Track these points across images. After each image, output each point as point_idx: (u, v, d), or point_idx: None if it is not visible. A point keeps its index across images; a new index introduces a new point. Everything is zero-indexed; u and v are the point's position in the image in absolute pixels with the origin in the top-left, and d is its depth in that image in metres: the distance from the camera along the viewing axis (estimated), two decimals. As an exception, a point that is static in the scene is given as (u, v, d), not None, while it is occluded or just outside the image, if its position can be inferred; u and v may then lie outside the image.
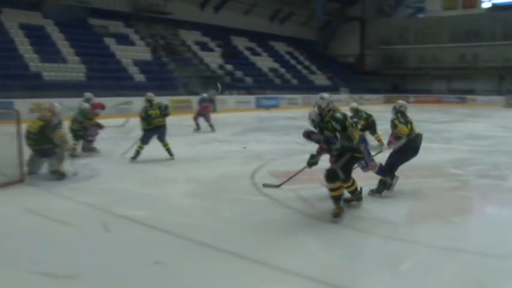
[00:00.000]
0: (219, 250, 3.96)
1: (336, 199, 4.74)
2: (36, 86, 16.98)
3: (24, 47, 19.36)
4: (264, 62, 30.88)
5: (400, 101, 6.09)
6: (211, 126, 12.98)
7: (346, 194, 5.11)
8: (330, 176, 4.66)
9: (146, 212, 5.04)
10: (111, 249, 4.03)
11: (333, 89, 29.92)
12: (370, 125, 9.62)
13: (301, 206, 5.29)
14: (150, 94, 8.49)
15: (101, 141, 9.46)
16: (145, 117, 8.12)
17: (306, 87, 29.69)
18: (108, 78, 20.22)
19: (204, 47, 28.56)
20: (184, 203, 5.49)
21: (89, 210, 5.13)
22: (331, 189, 4.72)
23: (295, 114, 20.45)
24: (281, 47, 34.66)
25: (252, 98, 24.75)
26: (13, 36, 19.65)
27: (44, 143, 6.59)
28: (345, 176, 4.75)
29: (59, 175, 6.55)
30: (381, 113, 12.50)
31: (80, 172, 6.95)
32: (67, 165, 6.86)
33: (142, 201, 5.52)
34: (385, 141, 6.89)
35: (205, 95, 13.81)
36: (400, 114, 5.82)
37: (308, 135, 4.98)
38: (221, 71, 26.81)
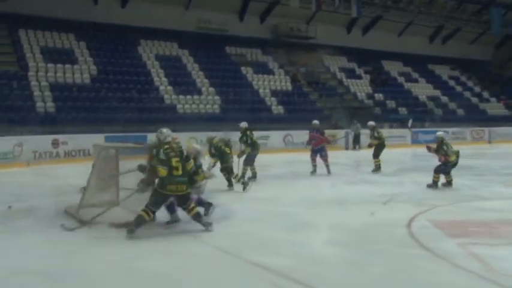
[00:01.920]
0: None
1: None
2: (170, 119, 18.89)
3: (160, 79, 21.80)
4: (422, 90, 29.71)
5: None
6: (327, 167, 12.02)
7: None
8: None
9: (284, 260, 5.09)
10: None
11: (513, 120, 27.30)
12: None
13: (475, 266, 4.80)
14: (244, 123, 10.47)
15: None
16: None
17: (477, 118, 27.54)
18: (244, 110, 21.53)
19: (351, 74, 28.73)
20: (327, 252, 5.42)
21: (218, 254, 5.39)
22: None
23: (462, 151, 18.98)
24: (443, 71, 33.03)
25: (406, 132, 23.87)
26: (149, 68, 22.31)
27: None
28: None
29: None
30: None
31: (213, 212, 7.38)
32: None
33: (279, 247, 5.60)
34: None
35: (315, 121, 12.91)
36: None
37: None
38: (370, 101, 26.55)
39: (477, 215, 7.29)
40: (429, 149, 10.02)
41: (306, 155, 12.70)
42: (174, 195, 6.15)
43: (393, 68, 31.03)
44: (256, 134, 19.23)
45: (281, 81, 25.28)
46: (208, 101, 21.63)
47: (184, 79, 22.47)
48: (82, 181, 7.65)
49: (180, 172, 6.05)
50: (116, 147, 7.80)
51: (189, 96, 21.26)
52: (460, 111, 28.64)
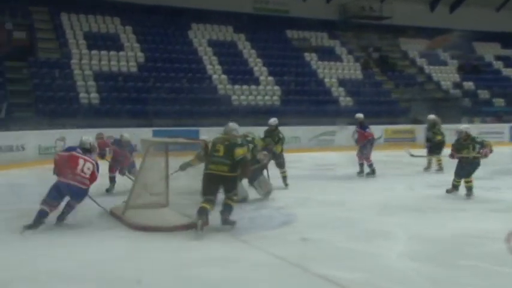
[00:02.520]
0: None
1: None
2: (224, 111, 19.15)
3: (213, 67, 22.15)
4: (524, 76, 28.41)
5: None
6: (370, 167, 11.77)
7: None
8: None
9: (354, 274, 5.03)
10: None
11: None
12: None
13: None
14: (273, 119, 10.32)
15: (297, 179, 9.96)
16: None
17: None
18: (306, 102, 21.48)
19: (433, 59, 27.94)
20: (406, 267, 5.29)
21: (281, 265, 5.39)
22: None
23: None
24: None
25: (505, 128, 22.89)
26: (201, 55, 22.72)
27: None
28: None
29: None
30: None
31: (273, 217, 7.42)
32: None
33: (349, 259, 5.55)
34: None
35: (359, 114, 12.69)
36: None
37: None
38: (457, 91, 25.71)
39: None
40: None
41: (378, 154, 12.49)
42: (218, 176, 6.71)
43: (488, 51, 29.87)
44: (321, 130, 19.47)
45: (350, 69, 25.01)
46: (267, 91, 21.75)
47: (240, 67, 22.71)
48: (128, 180, 7.90)
49: (221, 153, 6.74)
50: (166, 143, 8.00)
51: (245, 87, 21.47)
52: None
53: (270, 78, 22.45)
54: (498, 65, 29.04)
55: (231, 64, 22.52)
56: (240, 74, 22.11)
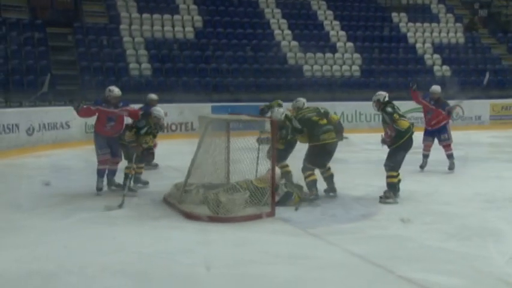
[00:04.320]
0: None
1: None
2: (294, 84, 19.11)
3: (282, 32, 22.08)
4: None
5: (382, 92, 8.45)
6: (450, 158, 10.70)
7: None
8: None
9: (451, 280, 4.96)
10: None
11: None
12: None
13: None
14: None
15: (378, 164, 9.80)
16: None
17: None
18: (393, 73, 21.10)
19: None
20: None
21: (359, 265, 5.37)
22: None
23: None
24: None
25: None
26: (268, 18, 22.69)
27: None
28: None
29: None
30: None
31: (351, 209, 7.38)
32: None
33: (443, 262, 5.44)
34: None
35: (435, 87, 11.43)
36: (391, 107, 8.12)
37: None
38: None
39: None
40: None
41: (482, 134, 12.13)
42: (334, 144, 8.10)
43: None
44: (410, 105, 18.95)
45: (449, 31, 24.31)
46: (346, 60, 21.57)
47: (314, 32, 22.57)
48: (184, 163, 8.07)
49: (324, 121, 8.16)
50: (227, 120, 8.08)
51: (319, 55, 21.35)
52: None
53: (349, 44, 22.19)
54: None
55: (302, 28, 22.42)
56: (314, 39, 21.98)
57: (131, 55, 19.16)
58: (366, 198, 8.20)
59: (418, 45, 23.19)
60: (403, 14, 24.43)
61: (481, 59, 23.24)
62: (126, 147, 8.58)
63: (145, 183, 9.25)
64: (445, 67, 22.28)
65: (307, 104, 8.86)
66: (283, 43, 21.51)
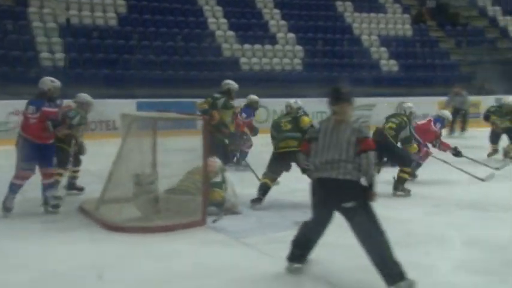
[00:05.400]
0: None
1: None
2: (229, 78, 19.03)
3: (217, 20, 22.18)
4: None
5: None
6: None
7: None
8: None
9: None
10: None
11: None
12: None
13: None
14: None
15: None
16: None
17: None
18: (337, 66, 21.49)
19: (511, 7, 27.57)
20: (461, 281, 5.46)
21: (293, 275, 5.53)
22: None
23: None
24: None
25: None
26: (202, 5, 22.73)
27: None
28: None
29: None
30: None
31: (287, 216, 7.57)
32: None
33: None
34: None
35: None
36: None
37: None
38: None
39: None
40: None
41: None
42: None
43: None
44: (356, 102, 19.13)
45: (396, 23, 24.99)
46: (286, 53, 21.84)
47: (252, 21, 22.80)
48: (104, 166, 8.05)
49: (289, 127, 8.46)
50: (154, 119, 8.11)
51: (258, 46, 21.57)
52: None
53: (291, 35, 22.50)
54: None
55: (240, 16, 22.61)
56: (252, 29, 22.21)
57: (42, 43, 18.80)
58: (305, 204, 8.32)
59: (364, 37, 23.74)
60: (348, 3, 24.96)
61: (429, 53, 24.03)
62: (59, 150, 8.24)
63: (81, 189, 9.16)
64: (392, 61, 22.92)
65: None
66: (218, 33, 21.62)
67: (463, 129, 18.22)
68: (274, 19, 23.07)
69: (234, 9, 22.81)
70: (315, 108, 14.98)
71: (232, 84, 10.47)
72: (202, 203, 7.24)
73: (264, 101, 17.55)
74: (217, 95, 10.42)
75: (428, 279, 5.45)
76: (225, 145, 10.13)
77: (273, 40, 22.11)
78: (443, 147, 10.76)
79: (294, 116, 8.94)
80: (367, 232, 5.15)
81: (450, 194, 9.22)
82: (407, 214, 7.92)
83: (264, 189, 8.43)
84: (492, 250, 6.32)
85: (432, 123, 10.81)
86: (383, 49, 23.37)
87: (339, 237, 5.71)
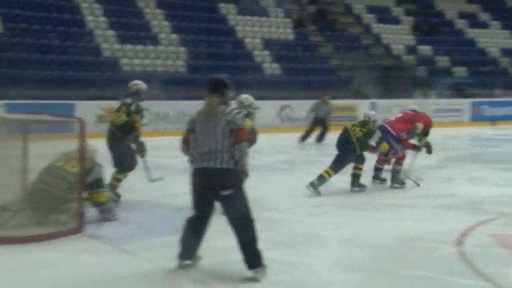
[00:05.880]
0: None
1: None
2: (109, 80, 18.96)
3: (96, 18, 21.73)
4: (493, 39, 29.90)
5: None
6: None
7: None
8: None
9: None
10: None
11: None
12: None
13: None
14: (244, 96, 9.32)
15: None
16: None
17: None
18: (221, 68, 21.46)
19: (383, 15, 28.84)
20: (337, 279, 5.56)
21: (175, 281, 5.48)
22: None
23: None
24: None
25: (465, 104, 24.10)
26: (79, 1, 22.16)
27: None
28: None
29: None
30: None
31: (170, 220, 7.49)
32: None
33: (269, 271, 5.61)
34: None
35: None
36: None
37: None
38: (411, 57, 26.70)
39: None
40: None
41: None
42: None
43: (450, 7, 31.18)
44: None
45: (279, 27, 25.39)
46: (169, 54, 21.73)
47: (133, 20, 22.49)
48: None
49: None
50: (24, 121, 7.80)
51: (140, 47, 21.31)
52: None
53: (174, 36, 22.43)
54: (461, 24, 30.39)
55: (120, 15, 22.26)
56: (133, 29, 21.92)
57: None
58: (188, 207, 8.26)
59: (247, 40, 23.96)
60: (231, 6, 25.11)
61: (310, 57, 24.57)
62: None
63: None
64: (274, 65, 23.22)
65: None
66: (97, 32, 21.23)
67: (321, 139, 16.93)
68: (156, 19, 22.90)
69: (114, 7, 22.45)
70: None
71: (141, 84, 9.88)
72: (78, 209, 7.00)
73: (146, 103, 17.50)
74: (128, 101, 9.71)
75: (306, 278, 5.59)
76: (131, 151, 9.68)
77: (155, 41, 21.94)
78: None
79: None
80: (242, 216, 5.43)
81: (329, 194, 9.41)
82: (289, 215, 8.04)
83: None
84: (365, 248, 6.51)
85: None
86: (266, 52, 23.67)
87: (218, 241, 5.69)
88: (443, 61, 27.27)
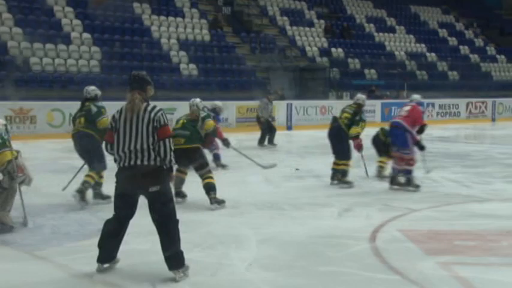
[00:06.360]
0: None
1: None
2: (18, 81, 18.60)
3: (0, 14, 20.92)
4: (400, 43, 30.90)
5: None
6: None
7: None
8: None
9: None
10: None
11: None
12: None
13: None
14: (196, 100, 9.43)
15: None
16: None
17: (477, 85, 28.97)
18: (137, 69, 21.04)
19: (297, 18, 29.26)
20: (258, 279, 5.64)
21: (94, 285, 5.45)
22: None
23: (452, 131, 20.12)
24: (432, 15, 34.46)
25: (376, 105, 24.79)
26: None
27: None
28: None
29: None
30: None
31: (87, 223, 7.40)
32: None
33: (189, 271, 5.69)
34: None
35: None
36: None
37: None
38: (324, 59, 27.21)
39: (468, 223, 7.80)
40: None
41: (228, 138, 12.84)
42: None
43: (359, 11, 32.03)
44: (160, 105, 19.09)
45: (194, 27, 25.37)
46: (82, 54, 21.36)
47: (43, 18, 21.99)
48: None
49: (178, 125, 8.85)
50: None
51: (50, 46, 20.90)
52: (454, 75, 30.03)
53: (87, 35, 22.11)
54: (370, 28, 31.35)
55: (28, 13, 21.73)
56: (43, 27, 21.44)
57: None
58: (105, 210, 8.20)
59: (163, 40, 23.89)
60: (145, 5, 24.99)
61: (227, 58, 24.65)
62: None
63: None
64: (191, 65, 23.23)
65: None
66: (3, 29, 20.65)
67: (272, 141, 16.83)
68: (67, 18, 22.48)
69: (20, 4, 21.93)
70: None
71: (97, 89, 9.86)
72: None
73: (59, 104, 17.21)
74: (102, 104, 9.54)
75: (225, 278, 5.68)
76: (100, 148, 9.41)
77: (66, 40, 21.55)
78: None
79: (201, 116, 9.00)
80: (168, 214, 5.46)
81: (247, 194, 9.61)
82: (207, 216, 8.11)
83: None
84: (284, 246, 6.66)
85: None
86: (182, 53, 23.64)
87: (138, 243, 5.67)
88: (354, 63, 27.93)
